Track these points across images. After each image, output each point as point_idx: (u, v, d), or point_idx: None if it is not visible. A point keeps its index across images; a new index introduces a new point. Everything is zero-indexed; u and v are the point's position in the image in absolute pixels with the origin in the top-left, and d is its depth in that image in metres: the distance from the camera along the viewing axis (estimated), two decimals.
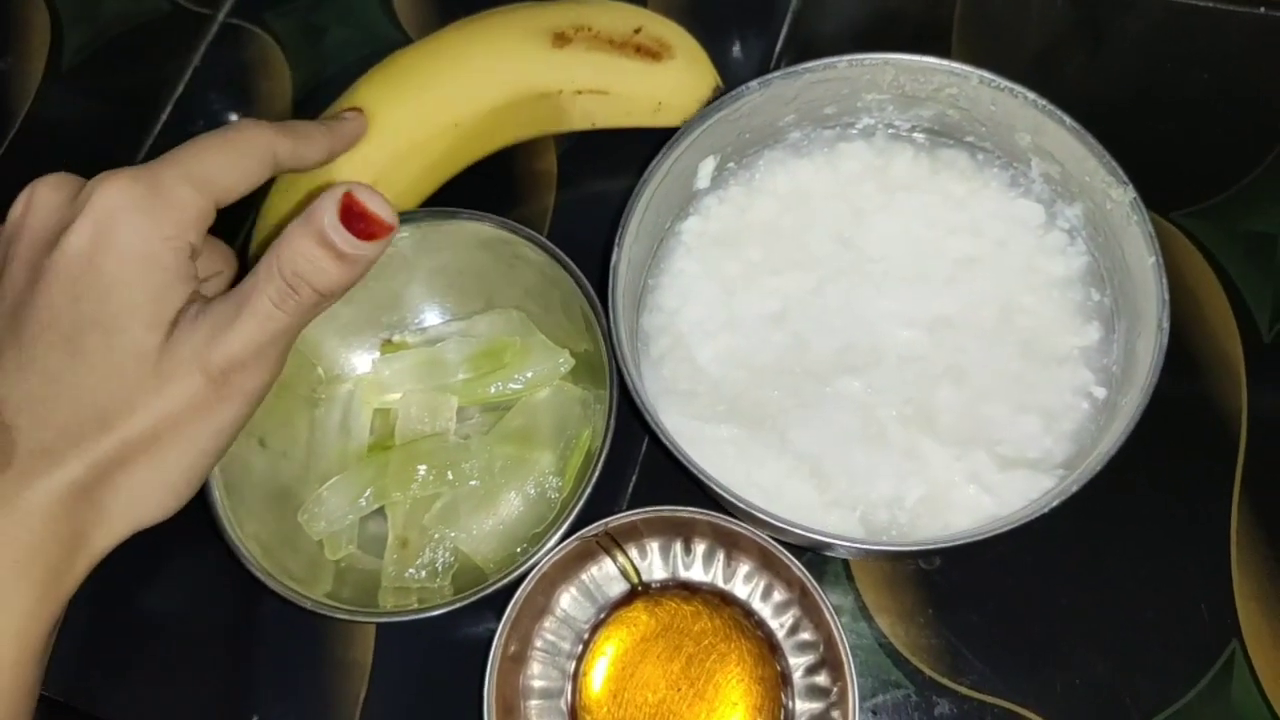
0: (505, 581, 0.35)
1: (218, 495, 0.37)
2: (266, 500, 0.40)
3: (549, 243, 0.40)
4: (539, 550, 0.36)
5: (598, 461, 0.36)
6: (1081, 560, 0.39)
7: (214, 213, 0.34)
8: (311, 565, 0.39)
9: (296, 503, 0.41)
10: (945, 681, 0.38)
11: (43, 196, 0.33)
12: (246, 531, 0.37)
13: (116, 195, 0.31)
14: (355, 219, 0.30)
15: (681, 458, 0.34)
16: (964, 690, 0.37)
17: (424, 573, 0.40)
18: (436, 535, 0.40)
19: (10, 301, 0.32)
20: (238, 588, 0.42)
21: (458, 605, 0.35)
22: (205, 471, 0.33)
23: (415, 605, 0.39)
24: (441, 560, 0.40)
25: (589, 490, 0.36)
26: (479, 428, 0.43)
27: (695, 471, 0.33)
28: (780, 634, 0.37)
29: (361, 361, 0.45)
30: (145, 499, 0.32)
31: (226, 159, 0.35)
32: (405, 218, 0.41)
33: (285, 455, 0.42)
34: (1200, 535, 0.39)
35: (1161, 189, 0.43)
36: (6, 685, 0.30)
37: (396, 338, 0.45)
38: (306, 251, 0.30)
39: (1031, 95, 0.37)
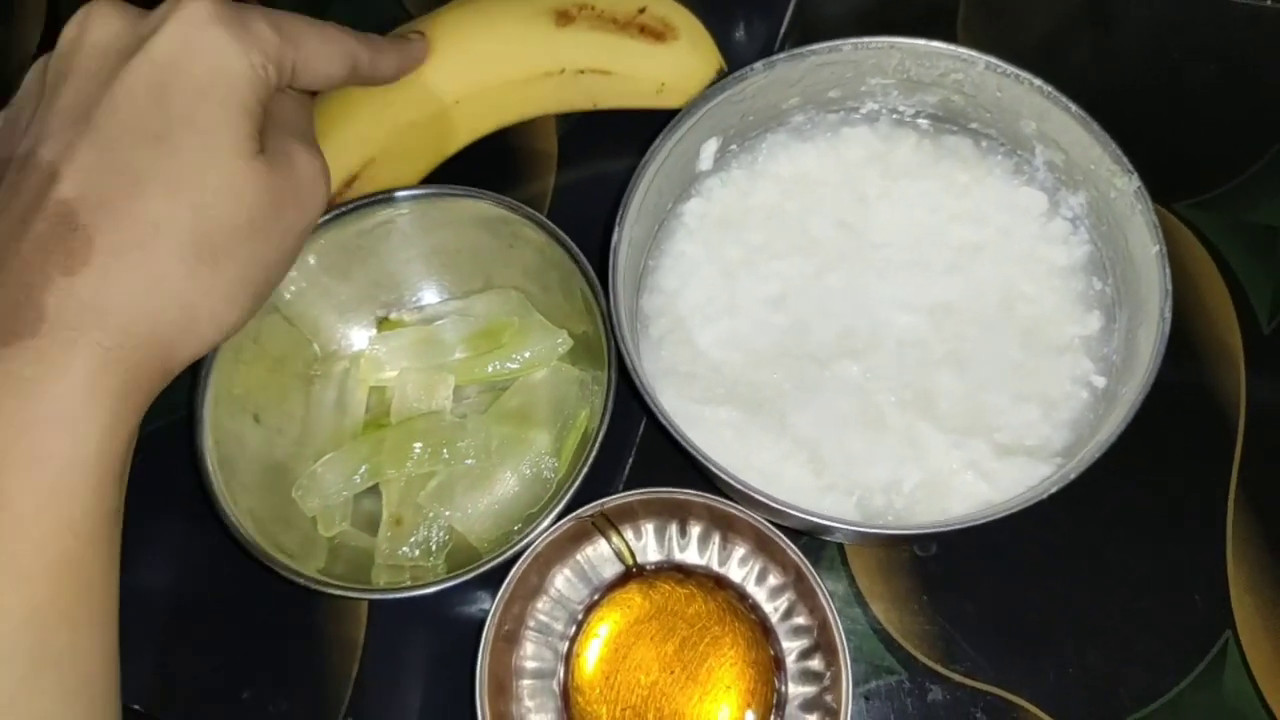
0: (499, 560, 0.35)
1: (211, 469, 0.37)
2: (261, 476, 0.40)
3: (549, 222, 0.39)
4: (534, 529, 0.36)
5: (595, 442, 0.36)
6: (1076, 549, 0.39)
7: (285, 84, 0.34)
8: (305, 541, 0.39)
9: (291, 479, 0.40)
10: (938, 668, 0.38)
11: (103, 14, 0.32)
12: (241, 506, 0.37)
13: (207, 11, 0.31)
14: None
15: (680, 438, 0.33)
16: (957, 677, 0.38)
17: (418, 551, 0.39)
18: (431, 514, 0.40)
19: (79, 108, 0.31)
20: (230, 563, 0.41)
21: (451, 583, 0.35)
22: (277, 283, 0.35)
23: (408, 583, 0.38)
24: (435, 539, 0.40)
25: (585, 470, 0.36)
26: (476, 407, 0.43)
27: (693, 452, 0.33)
28: (774, 618, 0.37)
29: (358, 339, 0.44)
30: (232, 302, 0.32)
31: (317, 39, 0.35)
32: (404, 194, 0.41)
33: (280, 431, 0.41)
34: (1196, 526, 0.39)
35: (1165, 179, 0.43)
36: (91, 507, 0.29)
37: (394, 315, 0.45)
38: None
39: (1037, 82, 0.37)
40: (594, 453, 0.36)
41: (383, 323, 0.45)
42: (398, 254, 0.43)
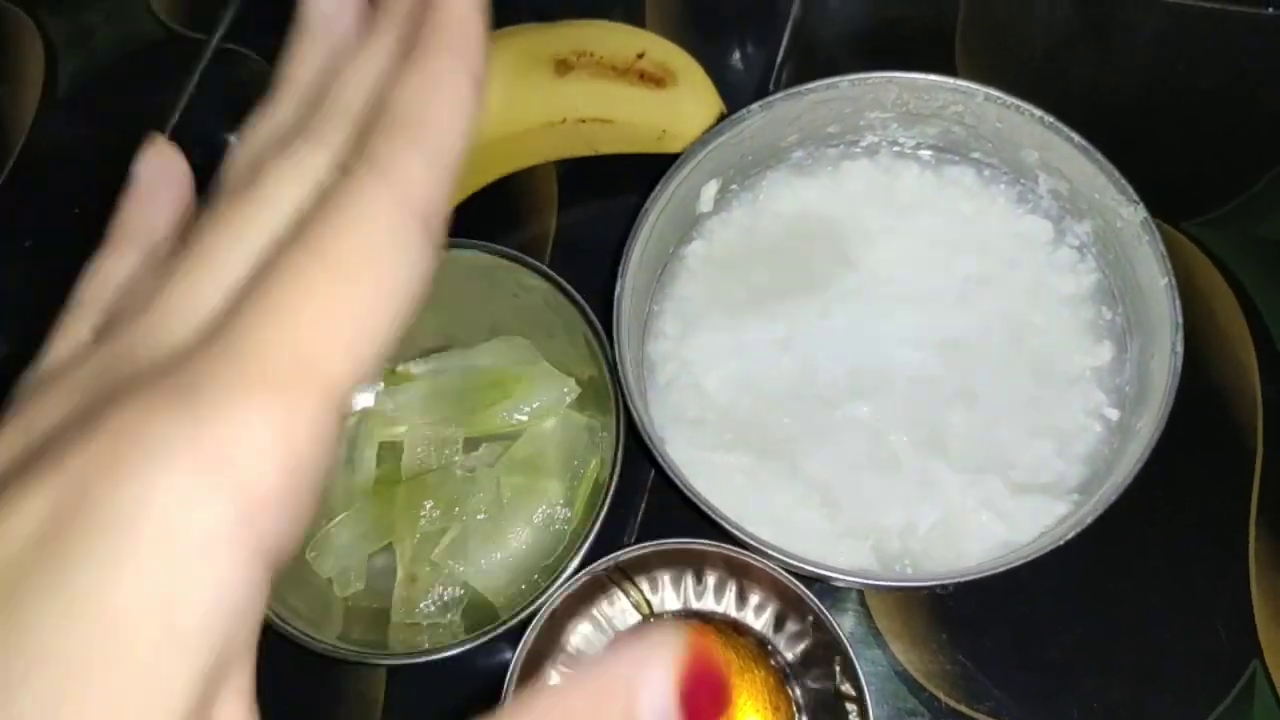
0: (516, 620, 0.35)
1: None
2: None
3: (549, 271, 0.39)
4: (549, 586, 0.35)
5: (607, 494, 0.36)
6: (1095, 583, 0.38)
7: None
8: (321, 602, 0.39)
9: (304, 539, 0.40)
10: (962, 708, 0.37)
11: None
12: None
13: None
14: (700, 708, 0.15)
15: (689, 493, 0.33)
16: (981, 717, 0.37)
17: (434, 608, 0.39)
18: (445, 570, 0.40)
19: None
20: None
21: (468, 646, 0.35)
22: None
23: (425, 642, 0.38)
24: (451, 595, 0.39)
25: (599, 524, 0.36)
26: (486, 458, 0.43)
27: (703, 507, 0.33)
28: (795, 663, 0.37)
29: (365, 394, 0.44)
30: None
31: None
32: None
33: None
34: (1217, 554, 0.38)
35: (1171, 198, 0.42)
36: None
37: (400, 368, 0.45)
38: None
39: (1038, 112, 0.36)
40: (606, 505, 0.36)
41: (390, 375, 0.45)
42: None
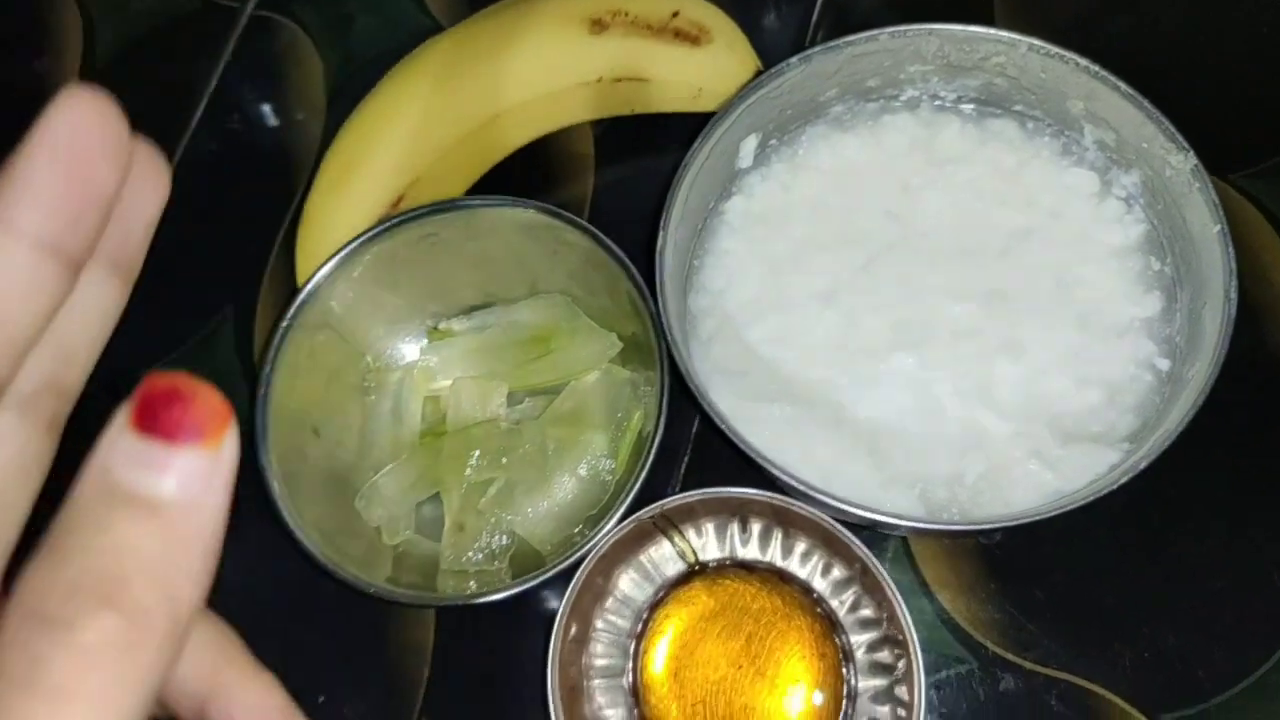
0: (564, 565, 0.36)
1: (276, 484, 0.38)
2: (323, 488, 0.40)
3: (591, 227, 0.40)
4: (596, 533, 0.36)
5: (651, 445, 0.36)
6: (1147, 531, 0.38)
7: None
8: (370, 550, 0.40)
9: (352, 490, 0.41)
10: (1010, 656, 0.37)
11: None
12: (306, 519, 0.38)
13: None
14: (160, 405, 0.15)
15: (735, 439, 0.33)
16: (1029, 665, 0.37)
17: (481, 556, 0.40)
18: (492, 519, 0.40)
19: None
20: (298, 574, 0.42)
21: (517, 590, 0.36)
22: None
23: (473, 588, 0.39)
24: (498, 543, 0.40)
25: (644, 473, 0.36)
26: (530, 412, 0.43)
27: (750, 453, 0.33)
28: (841, 611, 0.37)
29: (410, 350, 0.45)
30: None
31: None
32: (448, 206, 0.41)
33: (339, 444, 0.42)
34: (1271, 501, 0.38)
35: (1218, 150, 0.42)
36: None
37: (443, 325, 0.45)
38: (87, 512, 0.15)
39: (1083, 62, 0.36)
40: (651, 455, 0.36)
41: (433, 332, 0.45)
42: (443, 265, 0.43)
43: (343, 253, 0.41)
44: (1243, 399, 0.39)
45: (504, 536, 0.40)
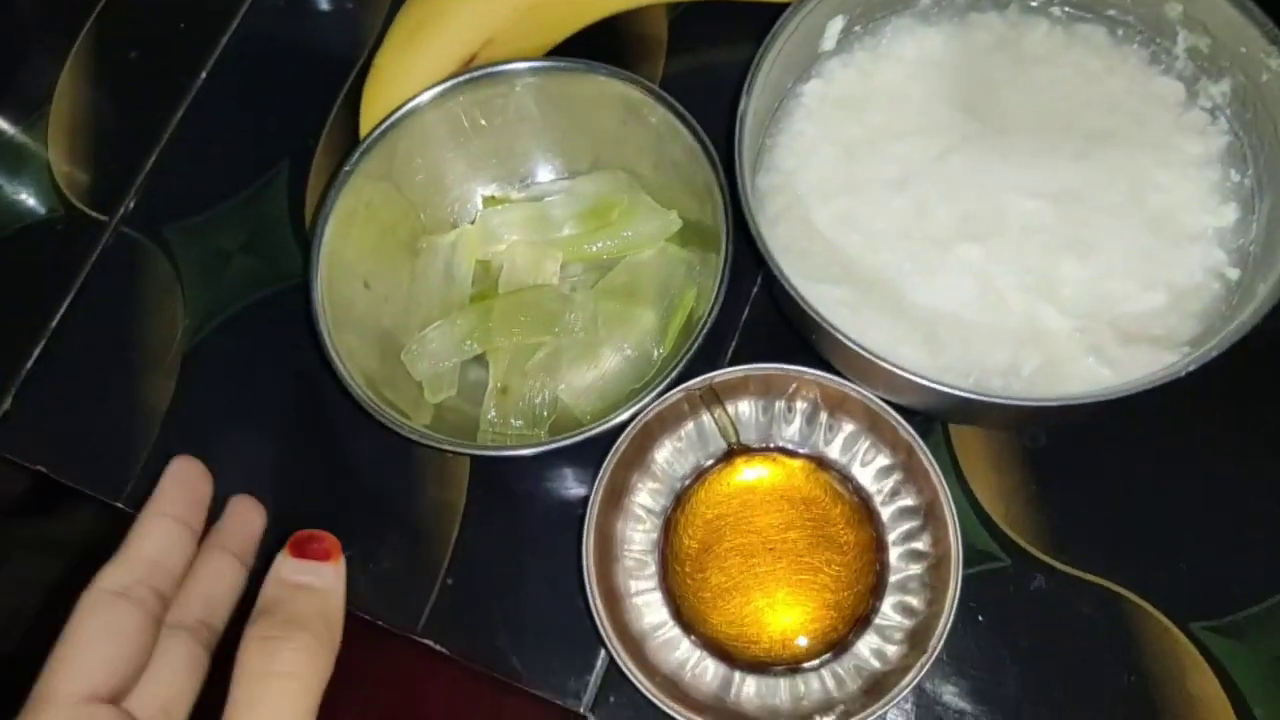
0: (605, 428, 0.35)
1: (326, 328, 0.38)
2: (369, 340, 0.40)
3: (670, 98, 0.39)
4: (639, 401, 0.36)
5: (707, 320, 0.36)
6: (1192, 445, 0.38)
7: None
8: (413, 404, 0.40)
9: (397, 346, 0.41)
10: (1044, 557, 0.37)
11: None
12: (353, 363, 0.38)
13: None
14: (306, 544, 0.31)
15: (802, 303, 0.33)
16: (1061, 566, 0.37)
17: (522, 421, 0.40)
18: (537, 384, 0.40)
19: None
20: (341, 423, 0.42)
21: (555, 445, 0.35)
22: None
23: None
24: (541, 408, 0.40)
25: (694, 349, 0.36)
26: (583, 284, 0.43)
27: (814, 317, 0.33)
28: (878, 499, 0.37)
29: (465, 213, 0.44)
30: None
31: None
32: (526, 66, 0.40)
33: (387, 299, 0.42)
34: None
35: None
36: None
37: (500, 193, 0.45)
38: (276, 594, 0.30)
39: None
40: (705, 331, 0.36)
41: (488, 200, 0.45)
42: (512, 128, 0.43)
43: (415, 101, 0.40)
44: None
45: (547, 402, 0.40)
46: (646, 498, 0.38)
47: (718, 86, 0.40)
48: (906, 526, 0.36)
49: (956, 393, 0.31)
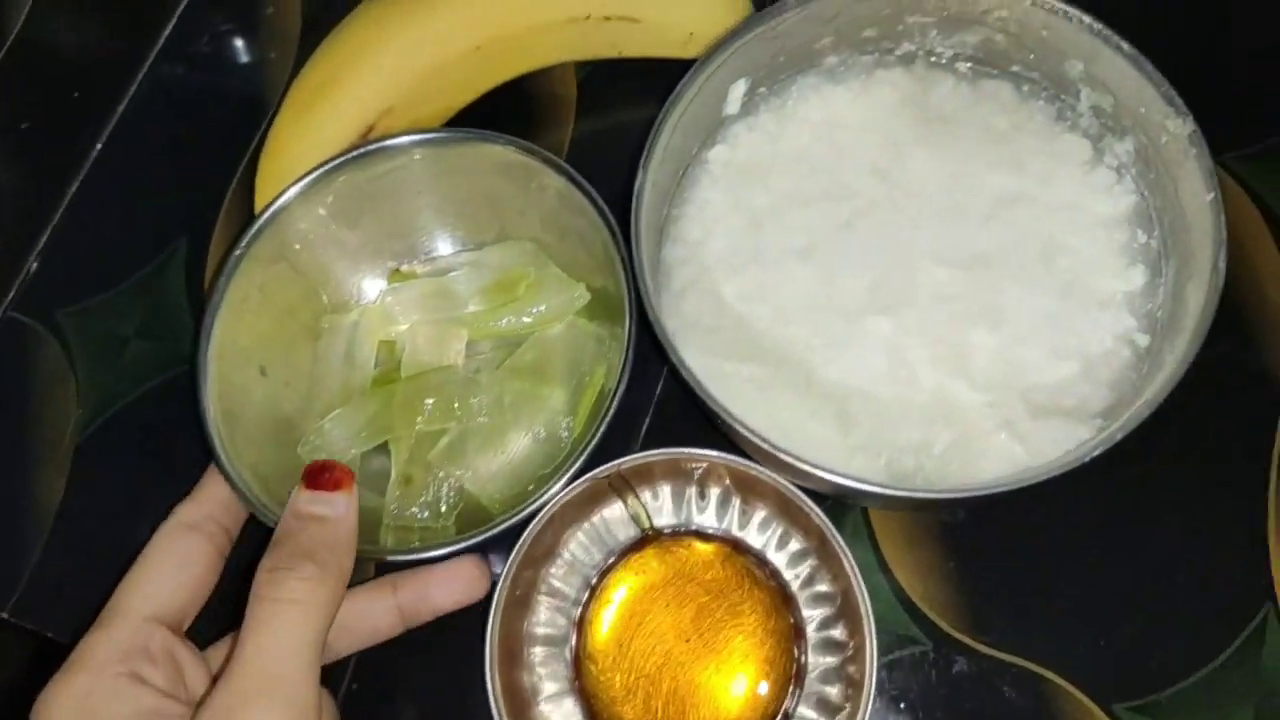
0: (512, 522, 0.34)
1: (214, 424, 0.36)
2: (266, 430, 0.38)
3: (569, 168, 0.38)
4: (547, 491, 0.34)
5: (613, 400, 0.35)
6: (1110, 517, 0.37)
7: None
8: None
9: (297, 434, 0.39)
10: (964, 639, 0.36)
11: None
12: (244, 462, 0.36)
13: None
14: (319, 474, 0.32)
15: (701, 393, 0.32)
16: (983, 649, 0.36)
17: (427, 512, 0.38)
18: (441, 473, 0.38)
19: None
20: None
21: (461, 545, 0.34)
22: None
23: (417, 544, 0.37)
24: (446, 499, 0.38)
25: (602, 430, 0.34)
26: (489, 362, 0.41)
27: (715, 409, 0.32)
28: (795, 585, 0.36)
29: (369, 290, 0.43)
30: None
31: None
32: (419, 138, 0.39)
33: (287, 385, 0.40)
34: (1236, 494, 0.37)
35: (1210, 128, 0.40)
36: None
37: (405, 267, 0.43)
38: (289, 526, 0.32)
39: (1087, 19, 0.35)
40: (612, 411, 0.34)
41: (394, 274, 0.43)
42: (410, 202, 0.41)
43: (305, 180, 0.39)
44: (1214, 386, 0.37)
45: (452, 492, 0.38)
46: (557, 591, 0.36)
47: (631, 145, 0.38)
48: (822, 614, 0.35)
49: (861, 486, 0.30)
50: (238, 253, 0.38)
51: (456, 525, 0.38)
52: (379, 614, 0.35)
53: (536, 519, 0.34)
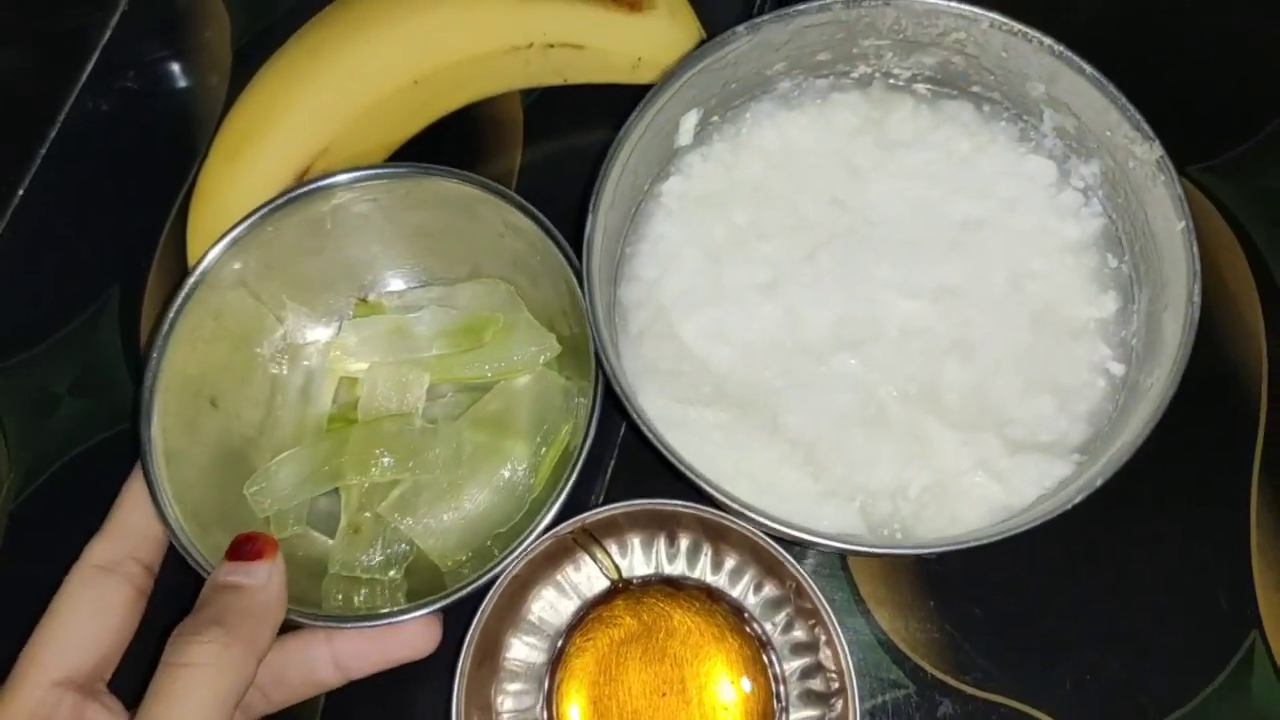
0: (471, 589, 0.32)
1: (156, 466, 0.34)
2: (213, 465, 0.36)
3: (537, 212, 0.35)
4: (509, 555, 0.32)
5: (577, 461, 0.33)
6: (1090, 548, 0.36)
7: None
8: None
9: (247, 468, 0.37)
10: (948, 680, 0.35)
11: None
12: (186, 506, 0.34)
13: None
14: (242, 545, 0.31)
15: (663, 449, 0.30)
16: (968, 689, 0.35)
17: (375, 562, 0.36)
18: (390, 526, 0.36)
19: None
20: (181, 579, 0.38)
21: (417, 615, 0.32)
22: None
23: (363, 598, 0.35)
24: (396, 551, 0.36)
25: (568, 489, 0.32)
26: (451, 408, 0.39)
27: (678, 464, 0.30)
28: (773, 633, 0.34)
29: (330, 321, 0.40)
30: None
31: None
32: (380, 172, 0.37)
33: (238, 418, 0.38)
34: (1218, 520, 0.36)
35: (1175, 140, 0.40)
36: None
37: (372, 298, 0.41)
38: (204, 596, 0.30)
39: (1047, 41, 0.33)
40: (576, 471, 0.33)
41: (360, 305, 0.41)
42: (377, 233, 0.39)
43: (263, 210, 0.36)
44: (1191, 409, 0.36)
45: (403, 545, 0.36)
46: (525, 653, 0.35)
47: (581, 173, 0.37)
48: (801, 663, 0.34)
49: (837, 545, 0.29)
50: (193, 279, 0.36)
51: (407, 579, 0.36)
52: (316, 665, 0.33)
53: (498, 581, 0.33)
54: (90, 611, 0.31)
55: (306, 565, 0.36)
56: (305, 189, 0.37)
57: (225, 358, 0.38)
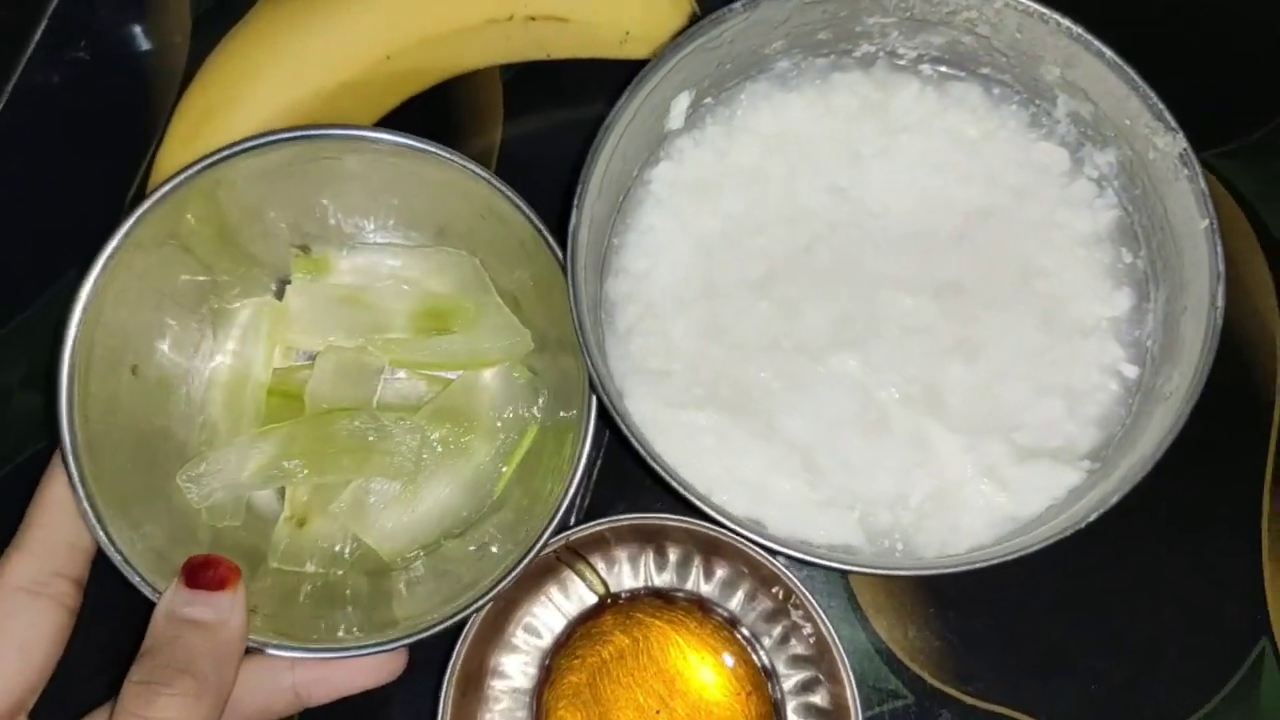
0: (449, 623, 0.30)
1: (79, 460, 0.30)
2: (136, 444, 0.33)
3: (528, 210, 0.33)
4: (484, 597, 0.30)
5: (572, 478, 0.30)
6: (1096, 555, 0.35)
7: None
8: (180, 529, 0.33)
9: (174, 444, 0.34)
10: (948, 689, 0.34)
11: None
12: (113, 506, 0.30)
13: None
14: (200, 571, 0.28)
15: (651, 459, 0.29)
16: (969, 699, 0.34)
17: (317, 559, 0.34)
18: (338, 526, 0.34)
19: None
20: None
21: (382, 649, 0.30)
22: None
23: (308, 593, 0.33)
24: (346, 549, 0.34)
25: (558, 515, 0.30)
26: (407, 393, 0.37)
27: (668, 477, 0.29)
28: (769, 644, 0.33)
29: (271, 274, 0.37)
30: None
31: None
32: (365, 139, 0.33)
33: (163, 385, 0.34)
34: (1228, 526, 0.35)
35: (1191, 124, 0.38)
36: None
37: (318, 250, 0.37)
38: (163, 631, 0.27)
39: (1065, 22, 0.31)
40: (571, 489, 0.30)
41: (300, 258, 0.36)
42: (335, 182, 0.35)
43: (212, 158, 0.32)
44: (1202, 411, 0.35)
45: (348, 545, 0.34)
46: (512, 676, 0.33)
47: (565, 154, 0.34)
48: (801, 677, 0.33)
49: (834, 565, 0.28)
50: (115, 243, 0.32)
51: (356, 568, 0.34)
52: (272, 692, 0.30)
53: (477, 609, 0.31)
54: (16, 646, 0.28)
55: (243, 554, 0.33)
56: (256, 142, 0.32)
57: (148, 316, 0.34)
